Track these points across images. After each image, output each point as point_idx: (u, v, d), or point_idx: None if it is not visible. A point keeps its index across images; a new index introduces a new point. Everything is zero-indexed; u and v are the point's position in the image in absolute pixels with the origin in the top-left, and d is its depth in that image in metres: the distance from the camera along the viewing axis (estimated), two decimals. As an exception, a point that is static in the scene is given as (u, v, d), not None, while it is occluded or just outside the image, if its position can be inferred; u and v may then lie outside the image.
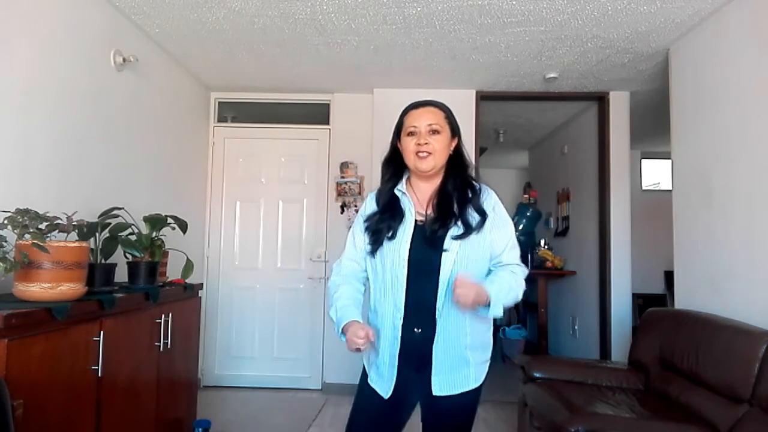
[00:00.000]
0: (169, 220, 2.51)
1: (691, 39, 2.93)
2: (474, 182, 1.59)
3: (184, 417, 2.71)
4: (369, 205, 1.63)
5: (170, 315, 2.42)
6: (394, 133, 1.63)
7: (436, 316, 1.48)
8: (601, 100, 4.13)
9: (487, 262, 1.55)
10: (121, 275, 2.37)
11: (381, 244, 1.53)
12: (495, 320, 1.63)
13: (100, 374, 1.86)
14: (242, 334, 4.21)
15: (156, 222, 2.43)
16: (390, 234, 1.52)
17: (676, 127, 3.10)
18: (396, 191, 1.59)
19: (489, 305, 1.43)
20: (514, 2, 2.67)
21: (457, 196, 1.54)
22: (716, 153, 2.68)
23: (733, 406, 2.11)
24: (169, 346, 2.42)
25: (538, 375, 2.81)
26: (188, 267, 2.57)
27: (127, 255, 2.30)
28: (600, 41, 3.11)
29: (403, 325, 1.49)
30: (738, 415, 2.06)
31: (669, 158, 3.17)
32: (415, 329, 1.49)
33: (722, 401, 2.17)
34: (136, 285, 2.31)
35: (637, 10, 2.71)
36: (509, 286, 1.49)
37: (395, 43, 3.22)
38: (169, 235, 2.55)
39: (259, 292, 4.23)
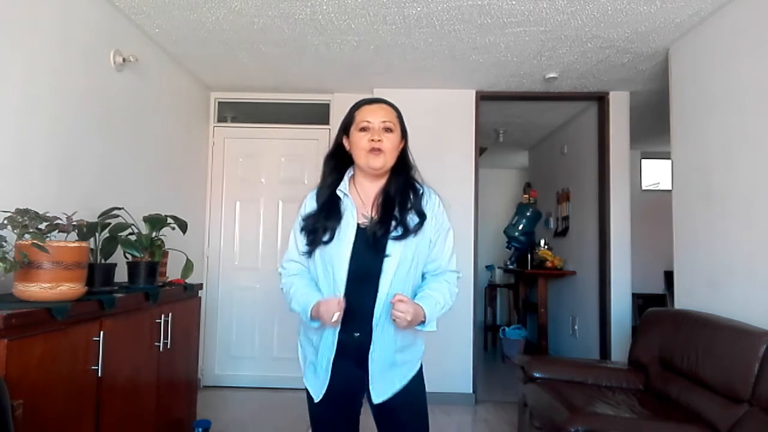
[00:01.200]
0: (169, 220, 2.51)
1: (691, 39, 2.93)
2: (417, 184, 1.57)
3: (184, 417, 2.71)
4: (309, 204, 1.59)
5: (170, 315, 2.42)
6: (340, 129, 1.58)
7: (373, 324, 1.46)
8: (601, 100, 4.13)
9: (422, 265, 1.54)
10: (121, 275, 2.37)
11: (318, 245, 1.50)
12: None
13: (100, 374, 1.86)
14: (242, 334, 4.21)
15: (156, 222, 2.43)
16: (326, 237, 1.49)
17: (676, 127, 3.10)
18: (338, 192, 1.54)
19: (423, 322, 1.44)
20: (514, 2, 2.67)
21: (399, 198, 1.52)
22: (716, 153, 2.68)
23: (733, 406, 2.11)
24: (169, 346, 2.42)
25: (538, 375, 2.81)
26: (188, 267, 2.57)
27: (127, 255, 2.30)
28: (600, 41, 3.11)
29: (342, 329, 1.47)
30: (738, 415, 2.06)
31: (669, 158, 3.17)
32: (356, 333, 1.48)
33: (722, 401, 2.17)
34: (136, 285, 2.31)
35: (637, 10, 2.71)
36: (444, 300, 1.51)
37: (395, 43, 3.22)
38: (169, 235, 2.55)
39: (259, 292, 4.23)
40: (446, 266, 1.57)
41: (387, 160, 1.51)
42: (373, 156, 1.49)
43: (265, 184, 4.30)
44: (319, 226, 1.50)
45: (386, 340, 1.48)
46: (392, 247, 1.46)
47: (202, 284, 2.99)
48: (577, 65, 3.49)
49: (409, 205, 1.51)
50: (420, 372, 1.59)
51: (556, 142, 5.43)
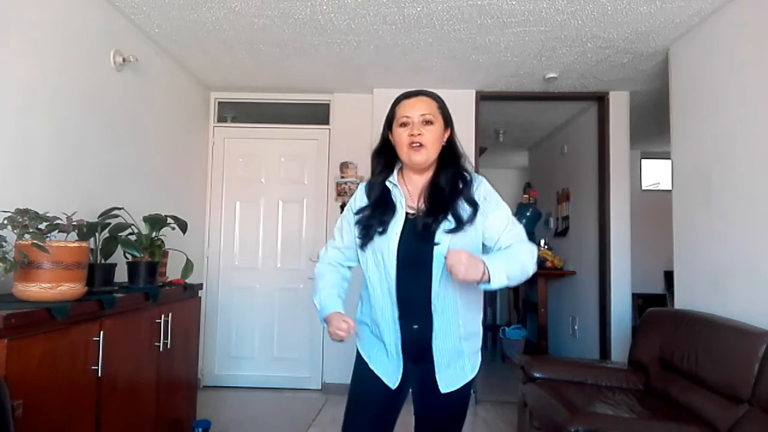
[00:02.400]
0: (169, 220, 2.51)
1: (691, 39, 2.93)
2: (465, 173, 1.55)
3: (184, 417, 2.71)
4: (359, 198, 1.59)
5: (170, 315, 2.42)
6: (384, 124, 1.58)
7: (432, 311, 1.46)
8: (600, 100, 4.13)
9: (477, 251, 1.49)
10: (121, 275, 2.37)
11: (371, 239, 1.50)
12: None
13: (99, 374, 1.86)
14: (242, 334, 4.21)
15: (156, 222, 2.43)
16: (381, 229, 1.49)
17: (676, 127, 3.10)
18: (387, 183, 1.55)
19: (489, 279, 1.31)
20: (514, 2, 2.67)
21: (449, 188, 1.50)
22: (716, 153, 2.68)
23: (733, 406, 2.11)
24: (169, 346, 2.42)
25: (538, 375, 2.81)
26: (188, 267, 2.57)
27: (127, 255, 2.30)
28: (600, 41, 3.11)
29: (401, 321, 1.48)
30: (738, 415, 2.06)
31: (669, 158, 3.17)
32: (414, 325, 1.48)
33: (722, 401, 2.17)
34: (136, 285, 2.31)
35: (637, 10, 2.71)
36: (513, 260, 1.39)
37: (395, 43, 3.22)
38: (169, 235, 2.55)
39: (259, 292, 4.23)
40: (508, 239, 1.47)
41: (429, 154, 1.50)
42: (414, 151, 1.48)
43: (265, 184, 4.30)
44: (375, 221, 1.50)
45: (448, 328, 1.48)
46: (442, 236, 1.44)
47: (202, 284, 2.99)
48: (577, 65, 3.49)
49: (458, 195, 1.50)
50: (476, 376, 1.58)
51: (556, 142, 5.43)
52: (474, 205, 1.48)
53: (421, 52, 3.36)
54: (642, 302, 5.34)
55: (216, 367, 4.20)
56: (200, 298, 2.92)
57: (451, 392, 1.50)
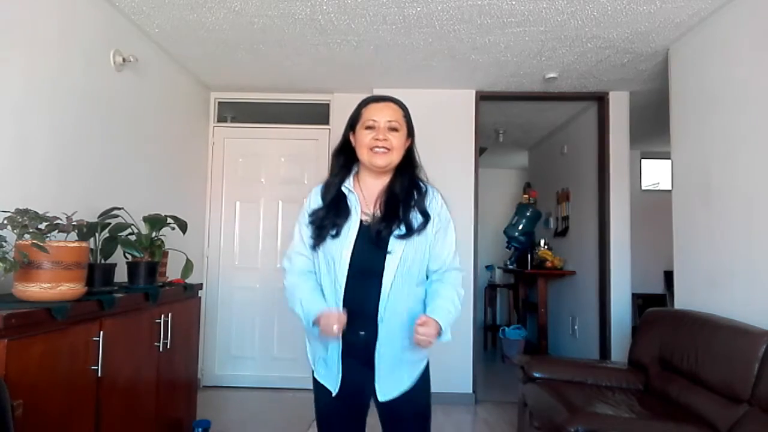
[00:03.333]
0: (169, 220, 2.50)
1: (691, 39, 2.93)
2: (421, 183, 1.57)
3: (184, 417, 2.71)
4: (314, 200, 1.58)
5: (170, 315, 2.42)
6: (347, 125, 1.58)
7: (378, 321, 1.46)
8: (600, 100, 4.13)
9: (426, 263, 1.54)
10: (121, 275, 2.37)
11: (324, 240, 1.50)
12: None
13: (99, 374, 1.86)
14: (242, 334, 4.21)
15: (156, 222, 2.43)
16: (334, 232, 1.49)
17: (675, 127, 3.10)
18: (343, 188, 1.55)
19: (440, 334, 1.45)
20: (514, 2, 2.67)
21: (403, 196, 1.52)
22: (716, 153, 2.68)
23: (733, 406, 2.11)
24: (168, 346, 2.42)
25: (537, 375, 2.81)
26: (188, 267, 2.57)
27: (127, 255, 2.30)
28: (600, 41, 3.11)
29: (347, 327, 1.45)
30: (738, 415, 2.06)
31: (669, 158, 3.16)
32: (360, 332, 1.47)
33: (722, 401, 2.17)
34: (136, 285, 2.31)
35: (637, 10, 2.71)
36: (454, 306, 1.51)
37: (395, 43, 3.22)
38: (168, 235, 2.55)
39: (259, 292, 4.23)
40: (450, 263, 1.56)
41: (393, 158, 1.52)
42: (377, 155, 1.50)
43: (265, 184, 4.30)
44: (328, 222, 1.50)
45: (392, 337, 1.48)
46: (394, 244, 1.46)
47: (202, 284, 2.99)
48: (577, 65, 3.49)
49: (412, 204, 1.52)
50: (426, 369, 1.60)
51: (556, 142, 5.43)
52: (426, 216, 1.51)
53: (421, 52, 3.36)
54: (642, 302, 5.34)
55: (216, 367, 4.20)
56: (200, 298, 2.92)
57: (390, 401, 1.51)
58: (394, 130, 1.51)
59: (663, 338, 2.68)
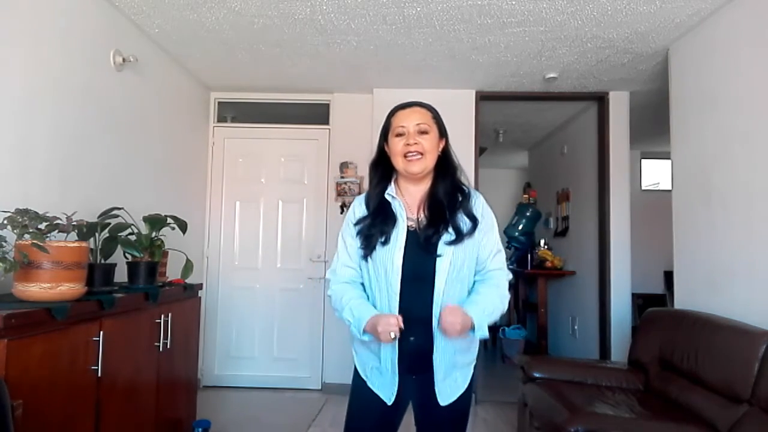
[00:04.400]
0: (169, 220, 2.51)
1: (691, 39, 2.93)
2: (464, 186, 1.58)
3: (184, 417, 2.71)
4: (358, 210, 1.59)
5: (170, 315, 2.42)
6: (380, 135, 1.59)
7: (434, 326, 1.46)
8: (600, 100, 4.13)
9: (475, 265, 1.54)
10: (121, 275, 2.37)
11: (374, 249, 1.49)
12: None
13: (99, 374, 1.86)
14: (242, 334, 4.21)
15: (156, 222, 2.43)
16: (383, 239, 1.48)
17: (675, 127, 3.10)
18: (386, 196, 1.55)
19: (473, 329, 1.43)
20: (513, 2, 2.67)
21: (447, 200, 1.52)
22: (716, 153, 2.68)
23: (733, 406, 2.11)
24: (168, 346, 2.42)
25: (537, 375, 2.81)
26: (188, 267, 2.57)
27: (127, 255, 2.30)
28: (600, 41, 3.11)
29: (401, 334, 1.45)
30: (738, 415, 2.06)
31: (669, 158, 3.17)
32: (411, 338, 1.47)
33: (722, 401, 2.17)
34: (136, 285, 2.31)
35: (637, 10, 2.71)
36: (493, 304, 1.49)
37: (395, 43, 3.22)
38: (168, 235, 2.55)
39: (259, 292, 4.23)
40: (494, 264, 1.55)
41: (426, 163, 1.51)
42: (411, 162, 1.50)
43: (265, 184, 4.30)
44: (376, 230, 1.50)
45: (447, 343, 1.48)
46: (444, 249, 1.46)
47: (202, 284, 2.99)
48: (577, 65, 3.49)
49: (458, 207, 1.52)
50: (473, 376, 1.60)
51: (556, 142, 5.43)
52: (473, 220, 1.51)
53: (421, 52, 3.36)
54: (642, 302, 5.33)
55: (216, 367, 4.20)
56: (200, 298, 2.92)
57: (449, 404, 1.51)
58: (424, 133, 1.51)
59: (663, 338, 2.68)
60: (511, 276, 1.59)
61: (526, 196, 5.86)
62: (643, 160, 6.23)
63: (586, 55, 3.32)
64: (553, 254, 5.06)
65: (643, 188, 6.20)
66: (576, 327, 4.67)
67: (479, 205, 1.55)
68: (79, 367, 1.77)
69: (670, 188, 3.14)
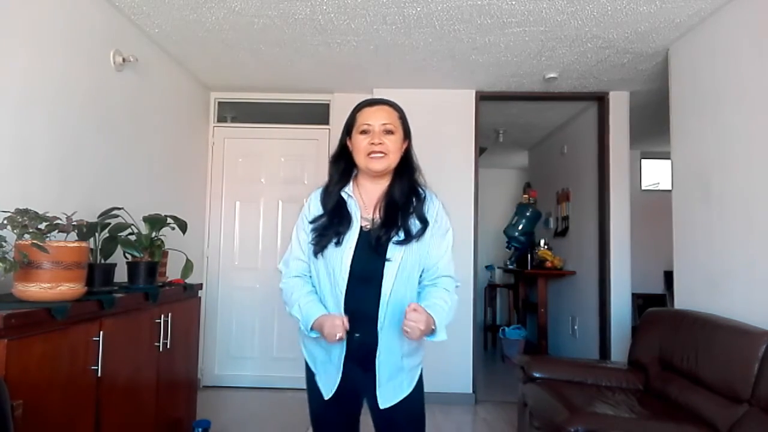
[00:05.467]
0: (169, 220, 2.50)
1: (691, 39, 2.93)
2: (420, 188, 1.57)
3: (184, 417, 2.71)
4: (314, 206, 1.57)
5: (170, 315, 2.42)
6: (344, 130, 1.58)
7: (378, 327, 1.46)
8: (600, 100, 4.13)
9: (420, 267, 1.53)
10: (121, 275, 2.37)
11: (325, 248, 1.49)
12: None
13: (99, 374, 1.86)
14: (242, 334, 4.21)
15: (156, 222, 2.43)
16: (336, 240, 1.48)
17: (675, 127, 3.10)
18: (342, 193, 1.54)
19: (433, 332, 1.43)
20: (513, 2, 2.67)
21: (402, 202, 1.51)
22: (716, 153, 2.68)
23: (733, 406, 2.11)
24: (168, 346, 2.42)
25: (537, 375, 2.81)
26: (188, 267, 2.57)
27: (127, 255, 2.30)
28: (599, 41, 3.11)
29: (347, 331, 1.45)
30: (738, 415, 2.06)
31: (669, 158, 3.17)
32: (356, 334, 1.47)
33: (722, 401, 2.17)
34: (136, 285, 2.31)
35: (637, 10, 2.71)
36: (449, 307, 1.49)
37: (395, 43, 3.22)
38: (168, 235, 2.55)
39: (259, 292, 4.23)
40: (443, 270, 1.55)
41: (389, 162, 1.51)
42: (374, 160, 1.49)
43: (265, 184, 4.30)
44: (331, 232, 1.49)
45: (392, 344, 1.48)
46: (393, 251, 1.46)
47: (202, 284, 2.99)
48: (576, 65, 3.49)
49: (411, 210, 1.51)
50: (421, 378, 1.60)
51: (556, 142, 5.43)
52: (424, 223, 1.51)
53: (421, 52, 3.36)
54: (642, 302, 5.34)
55: (216, 367, 4.20)
56: (200, 298, 2.92)
57: (394, 407, 1.51)
58: (390, 132, 1.50)
59: (663, 338, 2.68)
60: (459, 284, 1.59)
61: (526, 196, 5.85)
62: (643, 160, 6.23)
63: (586, 55, 3.32)
64: (553, 254, 5.06)
65: (643, 188, 6.20)
66: (576, 327, 4.67)
67: (434, 208, 1.55)
68: (78, 367, 1.77)
69: (670, 188, 3.14)
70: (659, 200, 4.93)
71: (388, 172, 1.54)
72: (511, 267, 5.77)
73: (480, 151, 4.47)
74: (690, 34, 2.93)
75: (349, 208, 1.53)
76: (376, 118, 1.51)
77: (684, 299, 2.92)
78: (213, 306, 4.20)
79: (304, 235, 1.57)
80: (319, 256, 1.51)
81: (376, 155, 1.49)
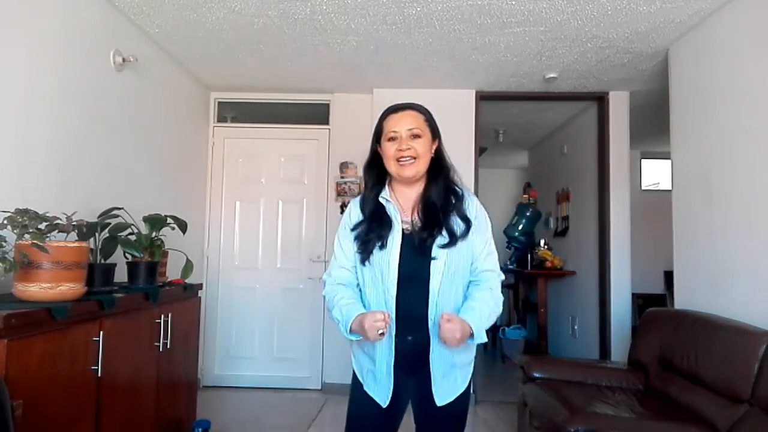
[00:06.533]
0: (169, 220, 2.51)
1: (691, 39, 2.93)
2: (457, 187, 1.58)
3: (184, 417, 2.71)
4: (354, 213, 1.59)
5: (170, 315, 2.42)
6: (373, 138, 1.59)
7: (429, 326, 1.47)
8: (600, 100, 4.13)
9: (470, 267, 1.55)
10: (121, 275, 2.37)
11: (371, 253, 1.50)
12: None
13: (99, 374, 1.86)
14: (242, 334, 4.21)
15: (156, 222, 2.43)
16: (380, 243, 1.49)
17: (675, 127, 3.10)
18: (380, 199, 1.55)
19: (472, 336, 1.43)
20: (513, 2, 2.67)
21: (441, 203, 1.52)
22: (716, 153, 2.68)
23: (733, 406, 2.11)
24: (168, 346, 2.42)
25: (537, 375, 2.81)
26: (188, 267, 2.57)
27: (127, 255, 2.30)
28: (599, 41, 3.11)
29: (397, 335, 1.47)
30: (738, 415, 2.06)
31: (669, 158, 3.17)
32: (408, 337, 1.48)
33: (722, 401, 2.17)
34: (136, 285, 2.31)
35: (637, 10, 2.71)
36: (489, 308, 1.49)
37: (395, 43, 3.22)
38: (168, 235, 2.55)
39: (259, 292, 4.23)
40: (484, 265, 1.55)
41: (419, 167, 1.52)
42: (404, 167, 1.50)
43: (265, 184, 4.30)
44: (373, 236, 1.50)
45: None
46: (438, 251, 1.47)
47: (202, 284, 2.99)
48: (576, 65, 3.49)
49: (451, 209, 1.52)
50: (472, 376, 1.61)
51: (556, 142, 5.43)
52: (467, 222, 1.52)
53: (421, 52, 3.36)
54: (642, 302, 5.34)
55: (216, 367, 4.20)
56: (200, 298, 2.92)
57: (447, 404, 1.52)
58: (417, 137, 1.51)
59: (663, 338, 2.68)
60: (503, 277, 1.60)
61: (526, 196, 5.85)
62: (643, 160, 6.23)
63: (586, 55, 3.32)
64: (553, 254, 5.06)
65: (643, 188, 6.20)
66: (576, 327, 4.67)
67: (473, 206, 1.56)
68: (79, 367, 1.77)
69: (670, 188, 3.14)
70: (659, 200, 4.93)
71: (421, 176, 1.55)
72: (511, 267, 5.77)
73: (480, 151, 4.47)
74: (690, 34, 2.93)
75: (388, 212, 1.54)
76: (402, 125, 1.51)
77: (684, 299, 2.92)
78: (213, 306, 4.20)
79: (347, 243, 1.57)
80: (366, 263, 1.51)
81: (405, 161, 1.50)
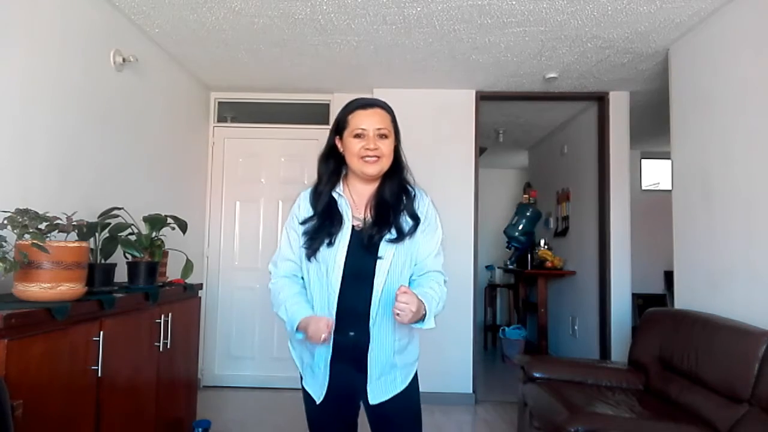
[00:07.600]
0: (169, 220, 2.50)
1: (691, 39, 2.93)
2: (409, 186, 1.57)
3: (184, 417, 2.71)
4: (303, 207, 1.56)
5: (170, 315, 2.42)
6: (332, 130, 1.56)
7: (370, 324, 1.46)
8: (600, 100, 4.13)
9: (415, 267, 1.54)
10: (121, 275, 2.37)
11: (317, 250, 1.48)
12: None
13: (99, 374, 1.86)
14: (242, 334, 4.21)
15: (156, 222, 2.43)
16: (329, 241, 1.47)
17: (675, 127, 3.10)
18: (333, 193, 1.54)
19: (424, 319, 1.41)
20: (514, 2, 2.67)
21: (393, 201, 1.52)
22: (716, 153, 2.68)
23: (733, 406, 2.11)
24: (168, 346, 2.42)
25: (537, 375, 2.81)
26: (188, 267, 2.57)
27: (127, 255, 2.30)
28: (600, 41, 3.11)
29: (336, 329, 1.44)
30: (738, 415, 2.07)
31: (669, 158, 3.17)
32: (350, 332, 1.47)
33: (722, 401, 2.17)
34: (136, 285, 2.31)
35: (637, 10, 2.71)
36: (439, 297, 1.48)
37: (395, 43, 3.22)
38: (169, 235, 2.55)
39: (259, 292, 4.22)
40: (431, 265, 1.54)
41: (383, 165, 1.51)
42: (368, 164, 1.49)
43: (265, 184, 4.30)
44: (322, 233, 1.49)
45: (384, 340, 1.49)
46: (385, 248, 1.47)
47: (202, 284, 2.99)
48: (577, 65, 3.49)
49: (402, 208, 1.52)
50: (416, 376, 1.60)
51: (556, 142, 5.43)
52: (416, 219, 1.51)
53: (421, 52, 3.36)
54: (642, 302, 5.34)
55: (216, 367, 4.20)
56: (200, 298, 2.92)
57: (380, 403, 1.50)
58: (384, 137, 1.49)
59: (663, 338, 2.68)
60: (448, 279, 1.57)
61: (526, 196, 5.86)
62: (643, 160, 6.23)
63: (586, 55, 3.32)
64: (553, 254, 5.06)
65: (643, 188, 6.20)
66: (576, 327, 4.67)
67: (424, 205, 1.55)
68: (79, 367, 1.77)
69: (670, 188, 3.14)
70: (659, 200, 4.93)
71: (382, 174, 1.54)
72: (511, 267, 5.77)
73: (480, 151, 4.46)
74: (690, 34, 2.93)
75: (340, 208, 1.53)
76: (370, 123, 1.48)
77: (684, 299, 2.92)
78: (213, 306, 4.20)
79: (294, 235, 1.56)
80: (312, 258, 1.50)
81: (370, 159, 1.48)
